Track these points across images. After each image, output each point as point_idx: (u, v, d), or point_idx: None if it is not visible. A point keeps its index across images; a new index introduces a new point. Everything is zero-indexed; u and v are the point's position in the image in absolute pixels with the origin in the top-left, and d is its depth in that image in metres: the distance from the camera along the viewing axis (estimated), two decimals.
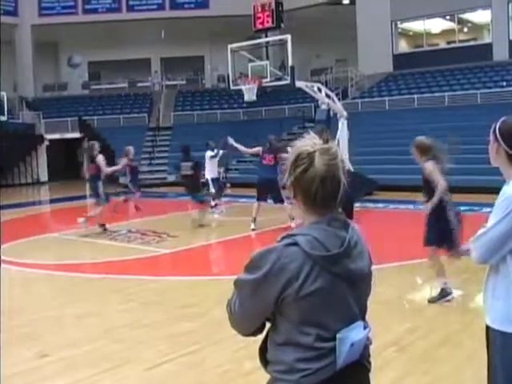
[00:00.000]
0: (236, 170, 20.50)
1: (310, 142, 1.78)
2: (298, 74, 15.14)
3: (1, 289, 6.37)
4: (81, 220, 11.18)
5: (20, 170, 26.56)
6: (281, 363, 1.76)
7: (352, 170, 12.30)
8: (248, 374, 4.13)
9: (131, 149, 13.41)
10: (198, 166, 11.90)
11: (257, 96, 14.86)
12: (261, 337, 1.87)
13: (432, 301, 5.85)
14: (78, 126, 27.10)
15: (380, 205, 13.88)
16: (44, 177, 27.36)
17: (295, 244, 1.70)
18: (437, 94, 21.44)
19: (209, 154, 13.59)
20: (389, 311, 5.47)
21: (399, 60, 25.17)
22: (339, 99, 17.78)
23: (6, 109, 21.71)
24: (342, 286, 1.74)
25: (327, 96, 15.24)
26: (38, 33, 28.82)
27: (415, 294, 6.60)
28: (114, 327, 5.51)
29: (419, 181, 5.78)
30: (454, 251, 5.58)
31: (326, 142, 1.78)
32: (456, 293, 5.95)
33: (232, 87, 15.25)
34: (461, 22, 25.55)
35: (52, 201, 20.30)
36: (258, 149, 11.17)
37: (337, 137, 13.71)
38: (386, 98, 22.59)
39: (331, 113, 15.55)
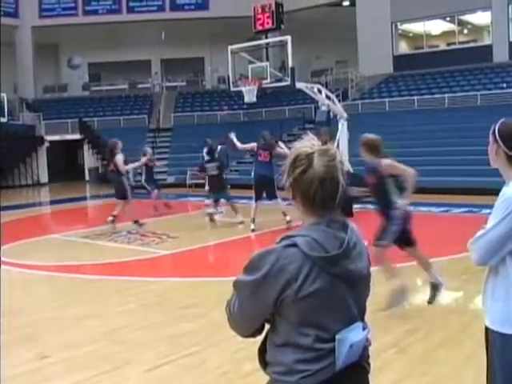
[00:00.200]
0: (236, 171, 20.46)
1: (308, 143, 1.79)
2: (298, 76, 15.14)
3: (1, 290, 6.38)
4: (109, 219, 11.32)
5: (20, 172, 26.55)
6: (280, 364, 1.76)
7: (352, 171, 12.29)
8: (247, 375, 4.13)
9: (149, 149, 14.03)
10: (223, 166, 12.31)
11: (257, 97, 14.89)
12: (260, 338, 1.87)
13: (431, 301, 5.82)
14: (78, 128, 27.12)
15: None
16: (44, 178, 27.38)
17: (294, 245, 1.70)
18: (437, 96, 21.43)
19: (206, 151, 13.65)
20: (388, 312, 5.46)
21: (399, 61, 25.17)
22: (339, 100, 17.77)
23: (6, 110, 21.75)
24: (341, 287, 1.74)
25: (327, 97, 15.24)
26: (38, 34, 28.86)
27: (415, 295, 6.59)
28: (114, 328, 5.51)
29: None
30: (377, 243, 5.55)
31: (325, 143, 1.79)
32: (455, 294, 5.93)
33: (232, 88, 15.28)
34: (461, 23, 25.56)
35: (52, 202, 20.28)
36: (253, 145, 11.53)
37: (337, 138, 13.72)
38: (386, 100, 22.59)
39: (331, 114, 15.56)
